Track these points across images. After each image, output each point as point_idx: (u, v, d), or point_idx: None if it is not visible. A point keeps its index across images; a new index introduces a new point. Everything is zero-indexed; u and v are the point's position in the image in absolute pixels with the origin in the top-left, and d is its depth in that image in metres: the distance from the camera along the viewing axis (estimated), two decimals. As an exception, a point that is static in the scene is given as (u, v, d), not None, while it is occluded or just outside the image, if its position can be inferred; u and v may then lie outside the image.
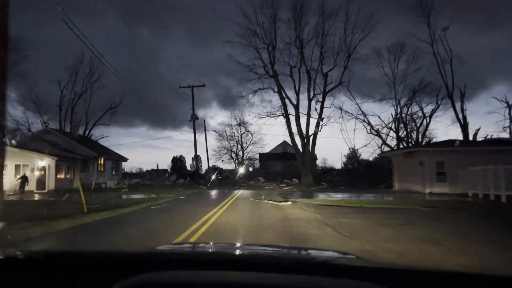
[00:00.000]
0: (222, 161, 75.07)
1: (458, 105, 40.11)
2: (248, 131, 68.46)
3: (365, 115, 44.00)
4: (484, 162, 21.91)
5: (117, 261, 1.45)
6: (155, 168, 64.60)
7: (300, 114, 35.89)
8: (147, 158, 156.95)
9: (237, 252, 2.04)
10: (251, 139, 69.87)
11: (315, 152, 73.98)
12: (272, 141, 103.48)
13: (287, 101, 35.73)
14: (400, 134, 42.34)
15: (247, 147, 72.54)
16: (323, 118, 36.35)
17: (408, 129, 43.54)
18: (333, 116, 41.17)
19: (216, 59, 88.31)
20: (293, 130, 35.68)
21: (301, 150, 35.59)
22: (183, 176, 52.49)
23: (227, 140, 70.14)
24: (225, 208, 14.00)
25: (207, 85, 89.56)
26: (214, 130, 53.18)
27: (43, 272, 1.38)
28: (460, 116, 40.35)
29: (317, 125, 35.26)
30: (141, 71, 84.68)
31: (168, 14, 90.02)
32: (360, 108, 43.74)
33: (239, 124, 71.23)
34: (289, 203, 16.27)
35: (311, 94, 34.90)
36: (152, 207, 14.37)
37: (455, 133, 74.34)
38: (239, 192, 25.83)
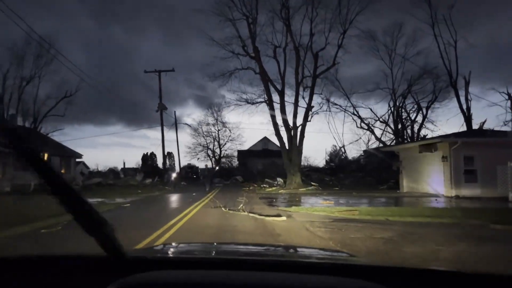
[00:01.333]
0: (198, 159, 70.38)
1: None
2: (226, 127, 64.01)
3: (354, 107, 38.74)
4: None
5: (113, 261, 1.33)
6: (124, 166, 58.06)
7: (286, 103, 30.07)
8: (122, 157, 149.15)
9: (235, 251, 2.05)
10: (229, 135, 65.84)
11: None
12: (252, 138, 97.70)
13: (271, 87, 29.80)
14: (398, 127, 37.14)
15: (225, 144, 68.42)
16: (313, 107, 30.61)
17: (404, 123, 38.43)
18: (321, 106, 34.76)
19: (192, 57, 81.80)
20: (277, 121, 29.76)
21: (287, 145, 29.75)
22: (152, 175, 46.19)
23: (203, 136, 65.89)
24: (173, 231, 8.00)
25: (182, 83, 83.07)
26: (186, 123, 46.56)
27: (39, 273, 1.37)
28: (464, 107, 35.42)
29: (306, 114, 29.46)
30: (111, 67, 77.70)
31: (141, 11, 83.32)
32: (349, 99, 38.32)
33: (217, 120, 66.39)
34: (283, 218, 10.30)
35: (300, 76, 28.98)
36: (43, 230, 8.11)
37: (455, 127, 69.89)
38: (210, 196, 19.70)
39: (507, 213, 11.95)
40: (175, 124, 47.63)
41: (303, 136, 29.68)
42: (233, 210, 12.17)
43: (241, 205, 13.06)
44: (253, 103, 30.20)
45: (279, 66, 30.16)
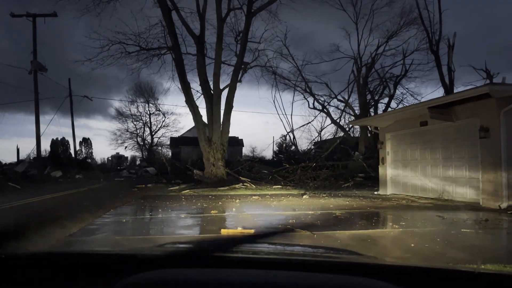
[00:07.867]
0: (126, 147, 60.42)
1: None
2: (159, 110, 54.75)
3: (306, 82, 28.97)
4: None
5: (119, 260, 1.33)
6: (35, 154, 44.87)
7: (206, 57, 19.51)
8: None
9: (243, 250, 1.77)
10: (163, 120, 56.86)
11: (238, 135, 57.59)
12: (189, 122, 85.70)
13: (183, 30, 19.11)
14: (367, 100, 27.80)
15: (157, 130, 58.66)
16: (247, 63, 20.26)
17: (374, 95, 29.36)
18: (256, 57, 23.38)
19: None
20: (188, 81, 19.09)
21: (205, 118, 19.31)
22: (62, 166, 33.98)
23: (132, 121, 55.84)
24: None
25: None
26: (85, 96, 34.44)
27: (44, 271, 1.29)
28: (447, 79, 26.60)
29: (236, 71, 18.96)
30: None
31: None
32: (300, 72, 28.47)
33: (147, 101, 56.35)
34: None
35: (225, 9, 18.38)
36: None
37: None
38: None
39: None
40: (70, 99, 35.50)
41: (231, 106, 19.21)
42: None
43: None
44: (150, 49, 19.06)
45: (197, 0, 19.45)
